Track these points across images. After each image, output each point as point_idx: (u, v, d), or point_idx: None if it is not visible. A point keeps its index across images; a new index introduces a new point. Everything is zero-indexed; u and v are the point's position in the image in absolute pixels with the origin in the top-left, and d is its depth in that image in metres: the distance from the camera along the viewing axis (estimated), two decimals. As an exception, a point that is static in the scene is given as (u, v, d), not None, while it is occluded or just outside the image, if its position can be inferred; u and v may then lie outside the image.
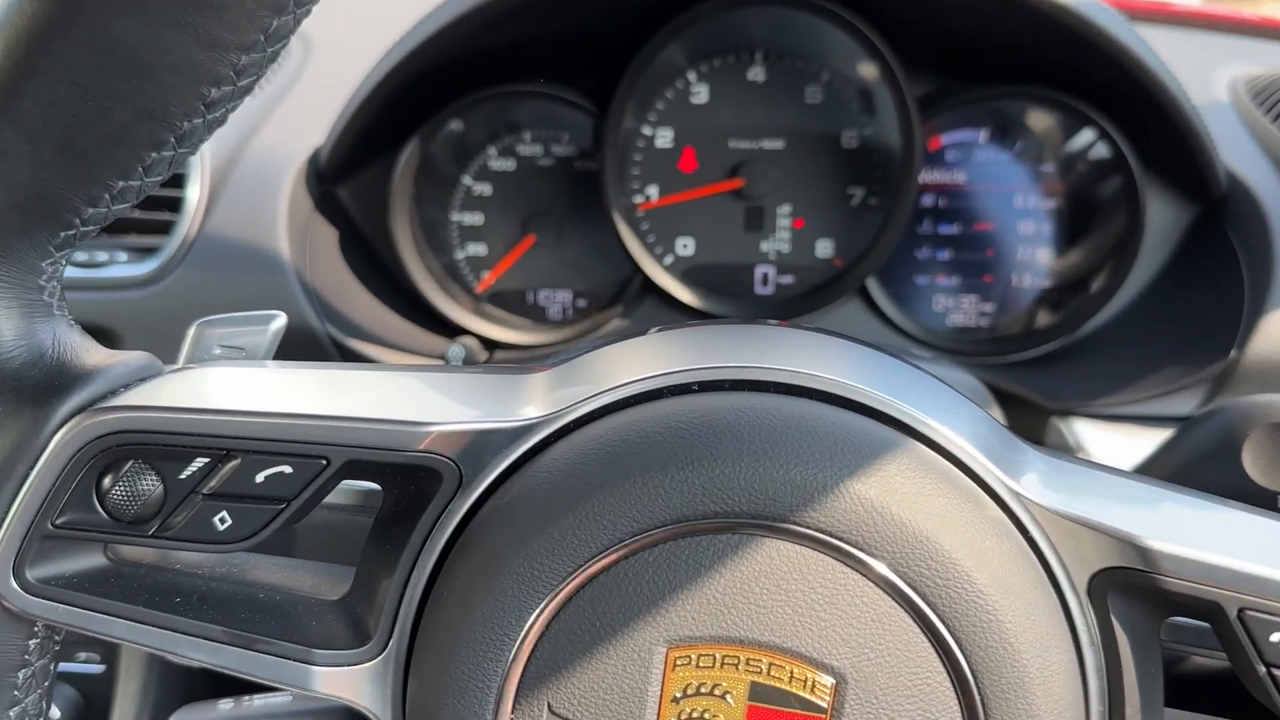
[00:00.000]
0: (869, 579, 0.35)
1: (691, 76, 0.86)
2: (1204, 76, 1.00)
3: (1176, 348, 0.78)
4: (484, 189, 0.89)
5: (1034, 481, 0.38)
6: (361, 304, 0.84)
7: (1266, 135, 0.87)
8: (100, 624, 0.39)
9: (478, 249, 0.89)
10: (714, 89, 0.86)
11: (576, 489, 0.37)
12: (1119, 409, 0.76)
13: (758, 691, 0.36)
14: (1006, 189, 0.87)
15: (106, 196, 0.36)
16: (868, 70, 0.85)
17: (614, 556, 0.36)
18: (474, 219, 0.89)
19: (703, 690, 0.36)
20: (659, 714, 0.37)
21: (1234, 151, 0.84)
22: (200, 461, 0.38)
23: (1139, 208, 0.82)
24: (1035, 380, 0.82)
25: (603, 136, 0.84)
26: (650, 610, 0.36)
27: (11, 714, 0.40)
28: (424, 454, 0.39)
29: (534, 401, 0.40)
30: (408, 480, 0.40)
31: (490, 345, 0.87)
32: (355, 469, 0.39)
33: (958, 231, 0.88)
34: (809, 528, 0.36)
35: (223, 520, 0.39)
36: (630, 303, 0.88)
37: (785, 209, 0.87)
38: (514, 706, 0.37)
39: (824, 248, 0.88)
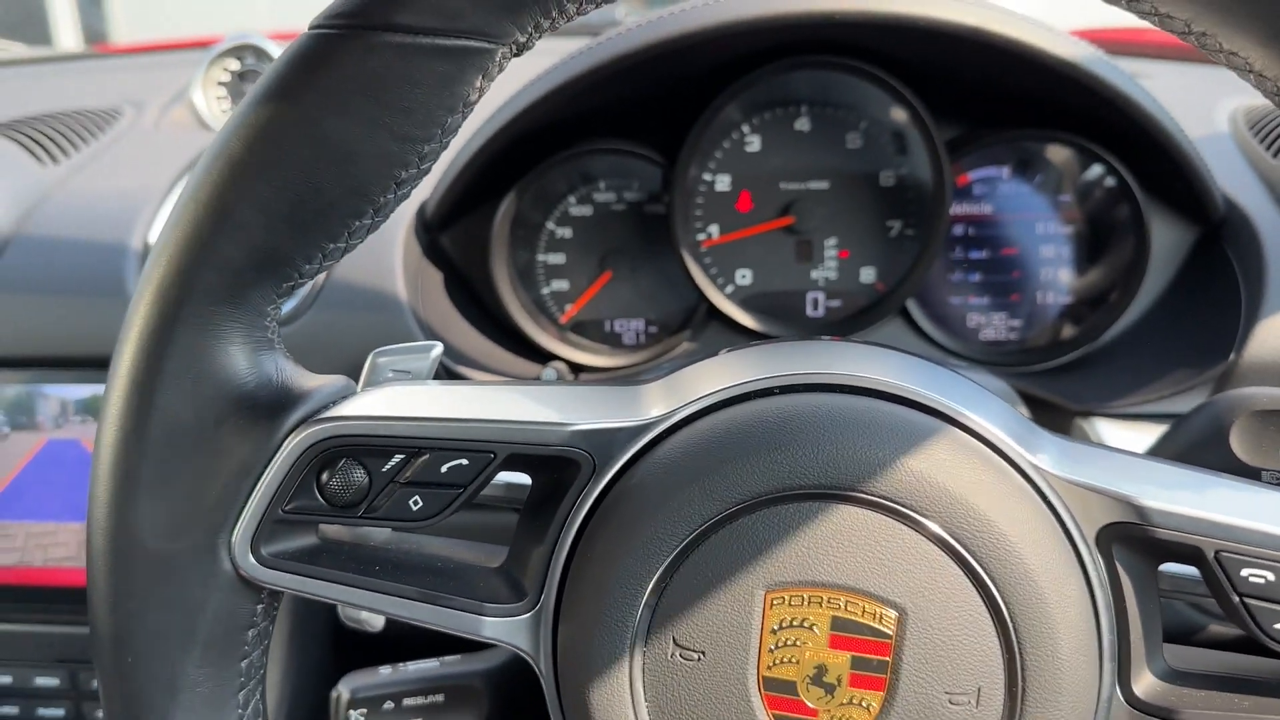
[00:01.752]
0: (922, 534, 0.42)
1: (746, 128, 0.94)
2: (1206, 108, 1.07)
3: (1183, 353, 0.85)
4: (565, 232, 0.97)
5: (1049, 457, 0.45)
6: (465, 336, 0.92)
7: (1261, 162, 0.94)
8: (317, 588, 0.46)
9: (561, 285, 0.98)
10: (765, 138, 0.94)
11: (689, 471, 0.44)
12: (1134, 408, 0.83)
13: (838, 623, 0.43)
14: (1029, 218, 0.94)
15: (320, 255, 0.43)
16: (901, 117, 0.92)
17: (722, 521, 0.44)
18: (557, 259, 0.97)
19: (794, 623, 0.43)
20: (760, 642, 0.43)
21: (1231, 178, 0.91)
22: (398, 457, 0.45)
23: (1145, 232, 0.88)
24: (1059, 386, 0.88)
25: (671, 184, 0.91)
26: (751, 562, 0.43)
27: (242, 665, 0.47)
28: (565, 448, 0.46)
29: (649, 406, 0.47)
30: (552, 470, 0.47)
31: (575, 369, 0.95)
32: (513, 461, 0.46)
33: (986, 256, 0.95)
34: (874, 495, 0.43)
35: (415, 503, 0.45)
36: (697, 328, 0.95)
37: (832, 241, 0.95)
38: (647, 641, 0.44)
39: (867, 274, 0.95)
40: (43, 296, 0.91)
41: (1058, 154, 0.93)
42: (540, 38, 0.42)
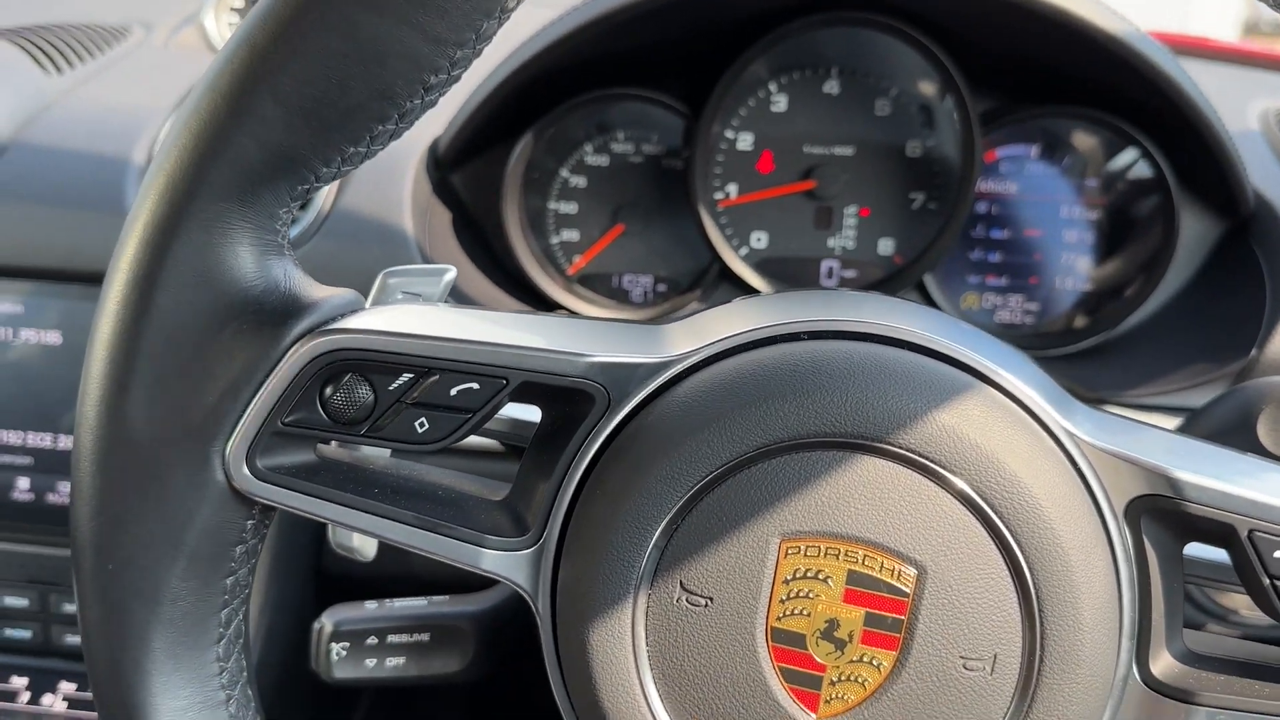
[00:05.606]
0: (947, 490, 0.42)
1: (773, 87, 0.92)
2: (1238, 107, 1.06)
3: (1202, 347, 0.84)
4: (579, 181, 0.95)
5: (1083, 423, 0.44)
6: (470, 278, 0.90)
7: None
8: (312, 505, 0.45)
9: (571, 235, 0.96)
10: (792, 99, 0.92)
11: (709, 411, 0.43)
12: (1149, 399, 0.81)
13: (853, 577, 0.42)
14: (1053, 200, 0.93)
15: (338, 159, 0.42)
16: (932, 87, 0.91)
17: (740, 465, 0.42)
18: (569, 208, 0.96)
19: (809, 575, 0.42)
20: (772, 592, 0.42)
21: (1261, 174, 0.90)
22: (407, 376, 0.44)
23: (1174, 221, 0.87)
24: (1073, 372, 0.87)
25: (693, 139, 0.90)
26: (768, 509, 0.42)
27: (227, 582, 0.46)
28: (581, 379, 0.44)
29: (671, 344, 0.46)
30: (565, 403, 0.46)
31: None
32: (525, 390, 0.45)
33: (1008, 236, 0.94)
34: (901, 447, 0.42)
35: (421, 425, 0.44)
36: (708, 288, 0.94)
37: (852, 209, 0.94)
38: (652, 584, 0.43)
39: (885, 246, 0.94)
40: (40, 205, 0.88)
41: (1087, 137, 0.92)
42: None
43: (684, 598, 0.44)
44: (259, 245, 0.43)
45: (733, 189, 0.94)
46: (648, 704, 0.44)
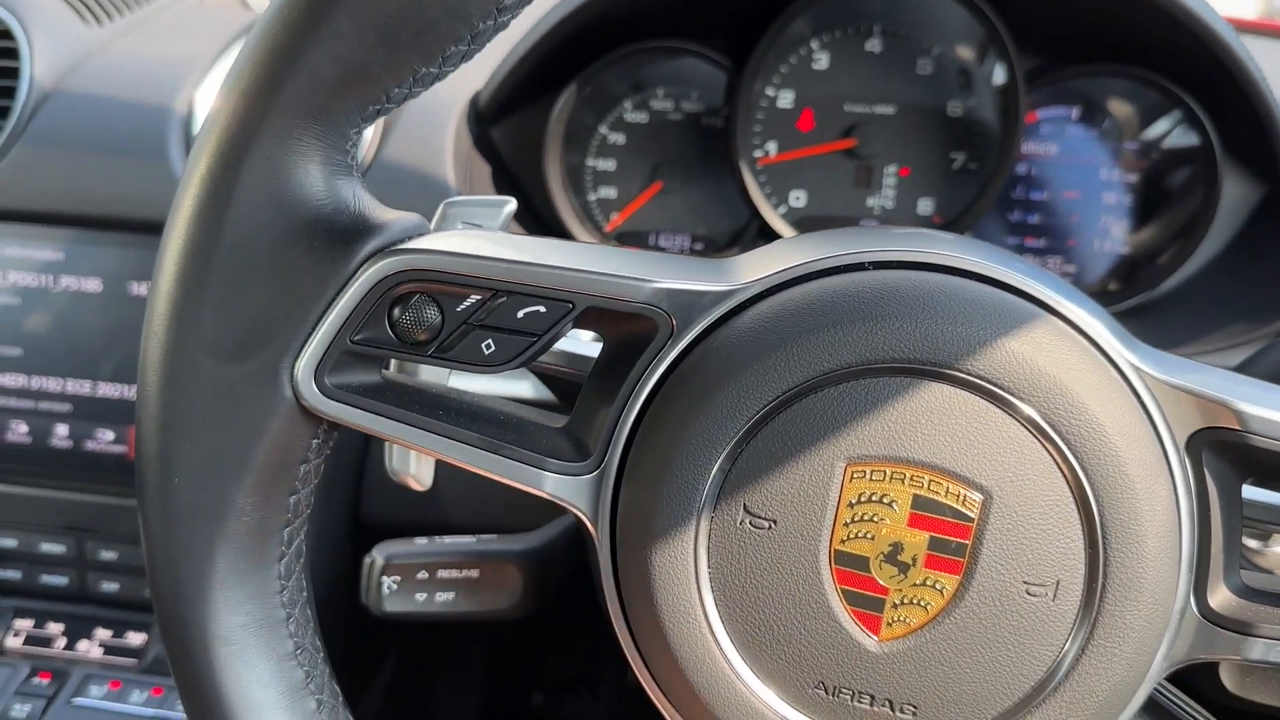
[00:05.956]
0: (1015, 417, 0.41)
1: (814, 45, 0.92)
2: (1271, 77, 1.06)
3: (1241, 308, 0.83)
4: (618, 138, 0.95)
5: (1146, 358, 0.44)
6: (510, 232, 0.91)
7: None
8: (378, 424, 0.45)
9: (609, 192, 0.96)
10: (834, 57, 0.92)
11: (776, 336, 0.43)
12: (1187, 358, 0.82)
13: (919, 502, 0.42)
14: (1093, 162, 0.92)
15: (410, 79, 0.41)
16: (976, 46, 0.90)
17: (807, 390, 0.42)
18: (607, 165, 0.96)
19: (874, 499, 0.42)
20: (836, 515, 0.42)
21: None
22: (475, 297, 0.44)
23: (1216, 184, 0.87)
24: None
25: (735, 95, 0.90)
26: (834, 433, 0.42)
27: (290, 501, 0.46)
28: (646, 305, 0.44)
29: (735, 273, 0.46)
30: (628, 330, 0.46)
31: None
32: (590, 316, 0.45)
33: (1047, 198, 0.93)
34: (969, 374, 0.41)
35: (488, 346, 0.44)
36: (746, 247, 0.91)
37: (892, 168, 0.93)
38: (715, 507, 0.43)
39: (925, 205, 0.94)
40: (80, 154, 0.89)
41: (1128, 100, 0.91)
42: None
43: (747, 520, 0.44)
44: (329, 164, 0.43)
45: (772, 147, 0.94)
46: (709, 624, 0.44)
